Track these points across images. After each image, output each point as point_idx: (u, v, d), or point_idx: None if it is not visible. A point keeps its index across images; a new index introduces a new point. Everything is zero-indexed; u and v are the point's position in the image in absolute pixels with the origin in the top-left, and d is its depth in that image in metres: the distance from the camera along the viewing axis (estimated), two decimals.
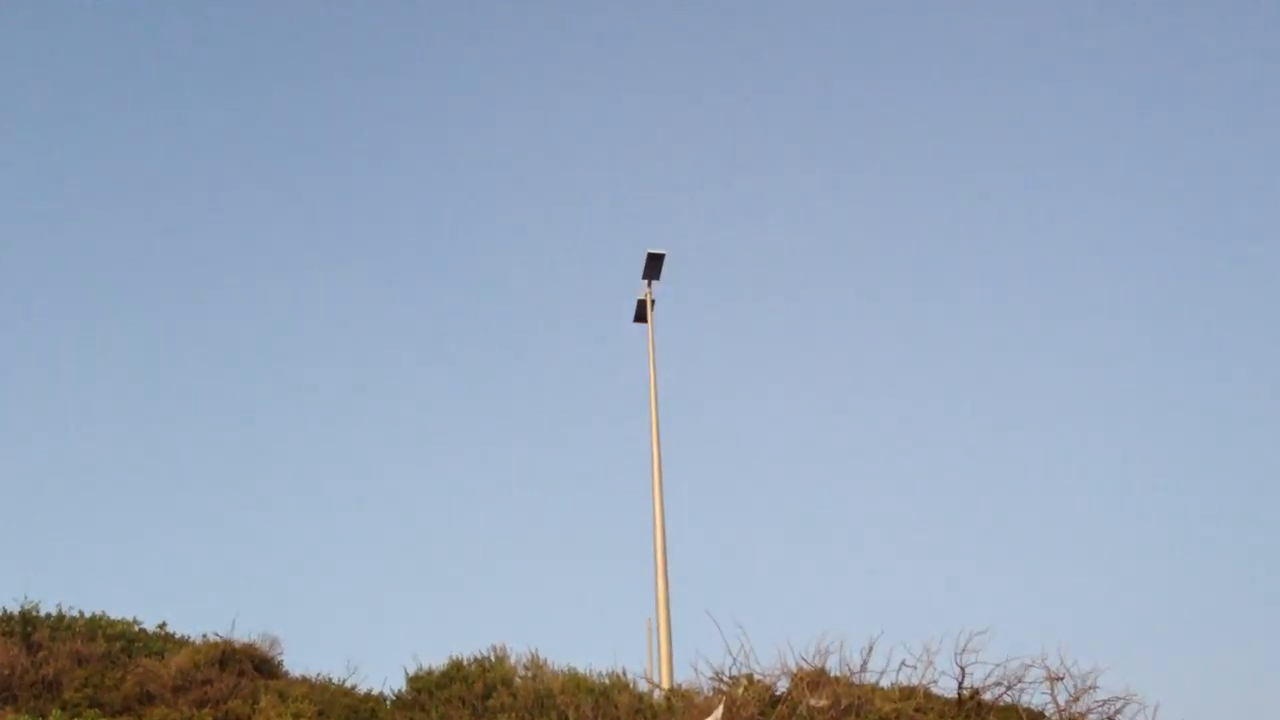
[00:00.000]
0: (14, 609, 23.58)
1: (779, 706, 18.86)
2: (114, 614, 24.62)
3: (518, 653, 22.63)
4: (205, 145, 61.92)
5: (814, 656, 20.01)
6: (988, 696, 19.32)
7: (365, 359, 56.10)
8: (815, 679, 19.48)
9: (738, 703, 18.45)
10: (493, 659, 22.61)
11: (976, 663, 19.40)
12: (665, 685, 22.84)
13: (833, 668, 19.95)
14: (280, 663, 23.82)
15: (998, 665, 19.42)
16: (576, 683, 21.37)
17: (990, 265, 59.88)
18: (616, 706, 20.21)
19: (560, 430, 52.83)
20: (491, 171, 62.93)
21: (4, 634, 22.54)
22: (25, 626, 22.89)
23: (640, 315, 28.67)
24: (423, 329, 57.77)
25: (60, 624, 23.56)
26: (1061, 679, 19.00)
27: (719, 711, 17.74)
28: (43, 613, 23.77)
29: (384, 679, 22.92)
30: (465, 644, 22.94)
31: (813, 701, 18.66)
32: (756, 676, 19.94)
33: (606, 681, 21.50)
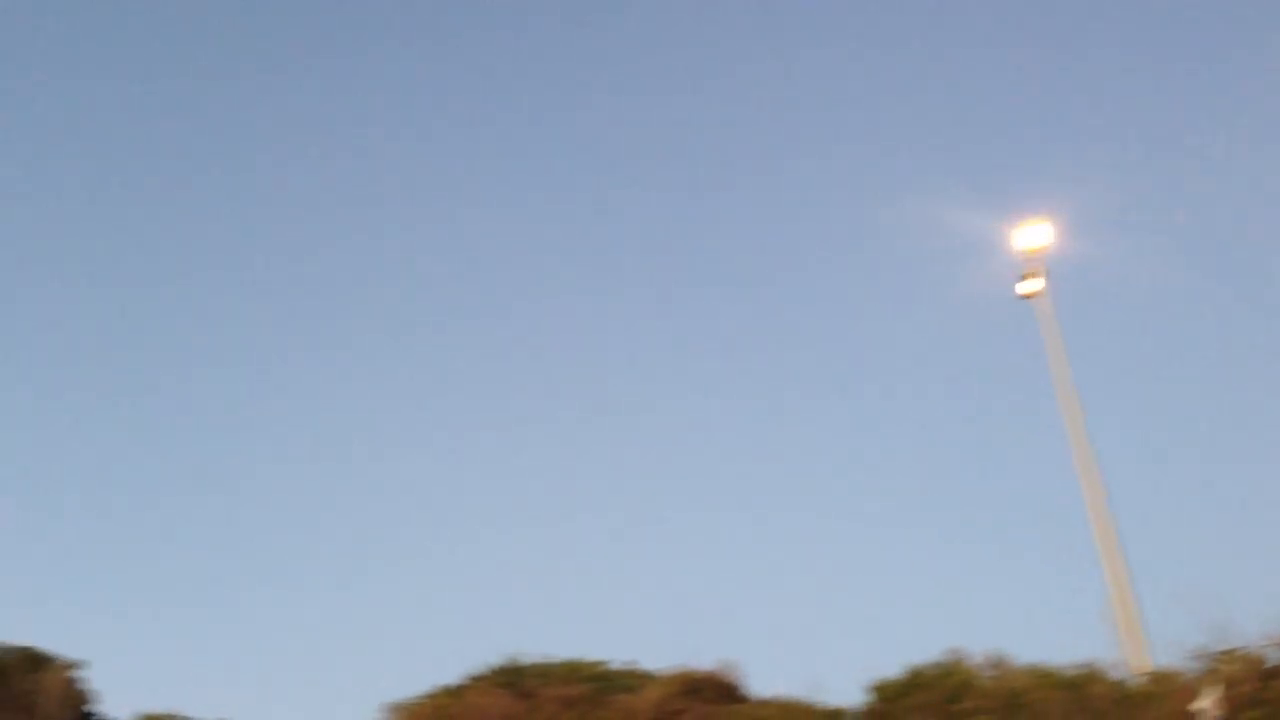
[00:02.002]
0: (502, 662, 25.75)
1: (1276, 679, 17.30)
2: (587, 656, 26.31)
3: (977, 653, 22.11)
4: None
5: None
6: None
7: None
8: None
9: (1231, 679, 17.08)
10: (952, 662, 22.22)
11: None
12: (1141, 670, 21.54)
13: None
14: (743, 686, 24.60)
15: None
16: (1044, 677, 20.59)
17: None
18: (1093, 698, 19.30)
19: (969, 423, 50.98)
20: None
21: (498, 685, 24.74)
22: (514, 677, 25.01)
23: (1031, 289, 27.30)
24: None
25: (544, 671, 25.52)
26: None
27: (1215, 692, 16.48)
28: (527, 662, 25.83)
29: (845, 693, 23.08)
30: (921, 650, 22.67)
31: None
32: (1244, 649, 18.39)
33: (1077, 673, 20.56)
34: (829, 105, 61.21)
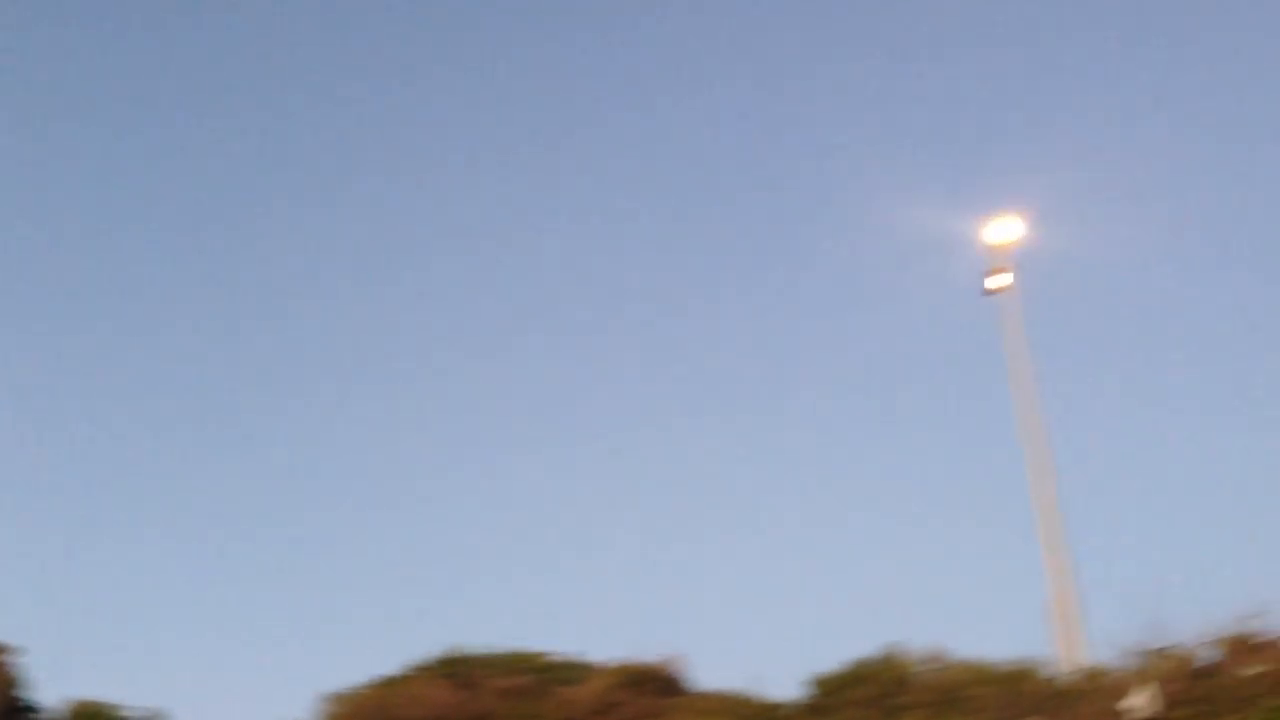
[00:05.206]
0: (444, 652, 25.71)
1: (1207, 678, 17.62)
2: (530, 647, 26.33)
3: (917, 648, 22.33)
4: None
5: (1238, 622, 18.55)
6: None
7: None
8: (1245, 646, 18.06)
9: (1162, 677, 17.39)
10: (892, 657, 22.43)
11: None
12: (1074, 666, 21.86)
13: (1260, 632, 18.42)
14: (685, 680, 24.70)
15: None
16: (981, 673, 20.85)
17: None
18: (1027, 694, 19.57)
19: (924, 416, 51.37)
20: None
21: (440, 676, 24.68)
22: (456, 667, 24.97)
23: (993, 285, 27.44)
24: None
25: (486, 661, 25.51)
26: None
27: (1147, 689, 16.76)
28: (469, 652, 25.80)
29: (785, 686, 23.25)
30: (861, 644, 22.87)
31: (1246, 670, 17.31)
32: (1177, 648, 18.72)
33: (1012, 669, 20.83)
34: (796, 103, 61.30)
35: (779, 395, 52.21)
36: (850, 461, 49.56)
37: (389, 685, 24.28)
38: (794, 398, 51.47)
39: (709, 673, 25.02)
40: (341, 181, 60.65)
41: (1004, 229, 27.40)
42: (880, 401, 50.99)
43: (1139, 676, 18.24)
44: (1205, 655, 18.69)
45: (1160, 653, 18.52)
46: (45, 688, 26.99)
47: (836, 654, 23.07)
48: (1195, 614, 19.15)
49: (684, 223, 59.57)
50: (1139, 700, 17.26)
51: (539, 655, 26.07)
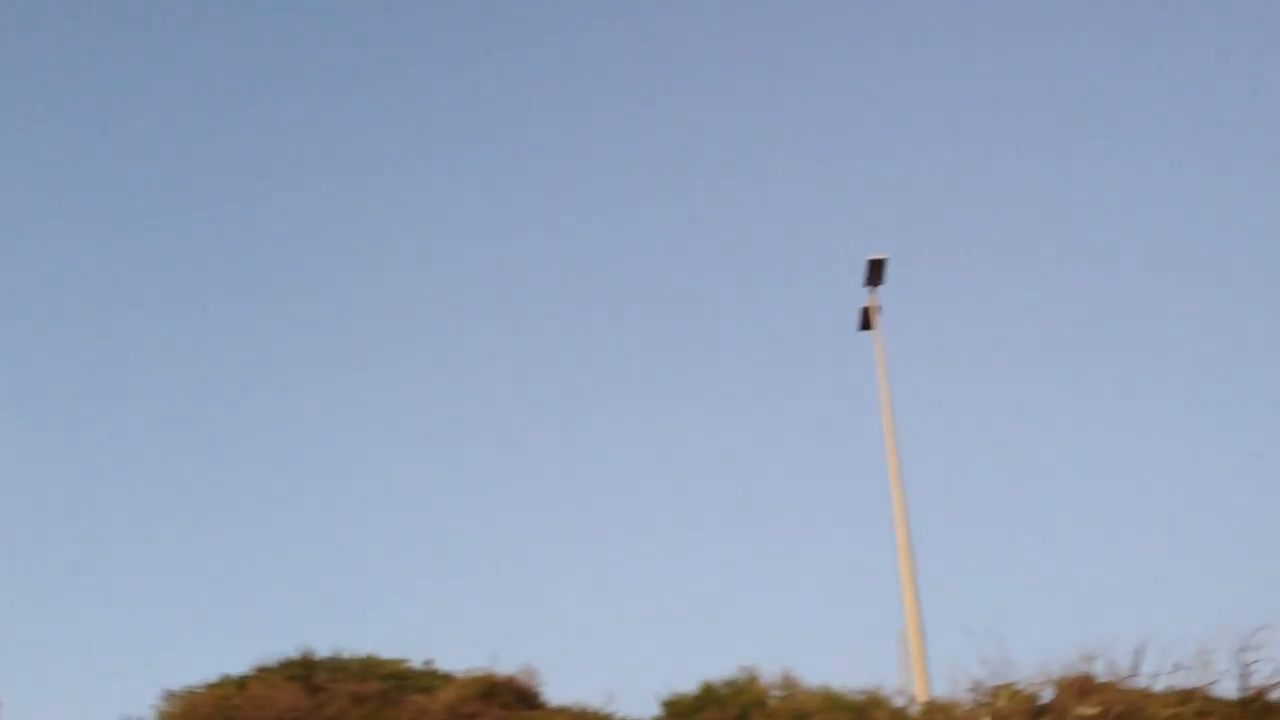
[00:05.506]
0: (293, 654, 25.09)
1: (1045, 716, 18.07)
2: (383, 653, 25.85)
3: (769, 672, 22.55)
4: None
5: (1079, 662, 19.08)
6: (1276, 696, 17.96)
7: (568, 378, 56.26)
8: (1083, 685, 18.57)
9: (1000, 713, 17.78)
10: (744, 680, 22.59)
11: (1260, 660, 18.06)
12: (921, 698, 22.27)
13: (1101, 673, 18.96)
14: (541, 693, 24.51)
15: None
16: (831, 700, 21.12)
17: None
18: None
19: (790, 444, 52.18)
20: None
21: (287, 678, 24.05)
22: (305, 670, 24.36)
23: (865, 323, 28.06)
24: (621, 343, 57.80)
25: (337, 666, 24.95)
26: None
27: None
28: (320, 656, 25.22)
29: (639, 705, 23.27)
30: (715, 665, 23.04)
31: (1081, 710, 17.80)
32: (1018, 685, 19.17)
33: (862, 698, 21.15)
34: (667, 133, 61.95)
35: (647, 415, 52.59)
36: (719, 484, 50.09)
37: (231, 685, 23.54)
38: (664, 418, 51.92)
39: (563, 688, 24.89)
40: None
41: (876, 258, 27.83)
42: (752, 435, 51.73)
43: (981, 711, 18.62)
44: (1045, 693, 19.15)
45: (1000, 689, 18.95)
46: None
47: (692, 674, 23.23)
48: (1041, 651, 19.67)
49: (558, 249, 59.81)
50: None
51: (392, 662, 25.61)
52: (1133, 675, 18.72)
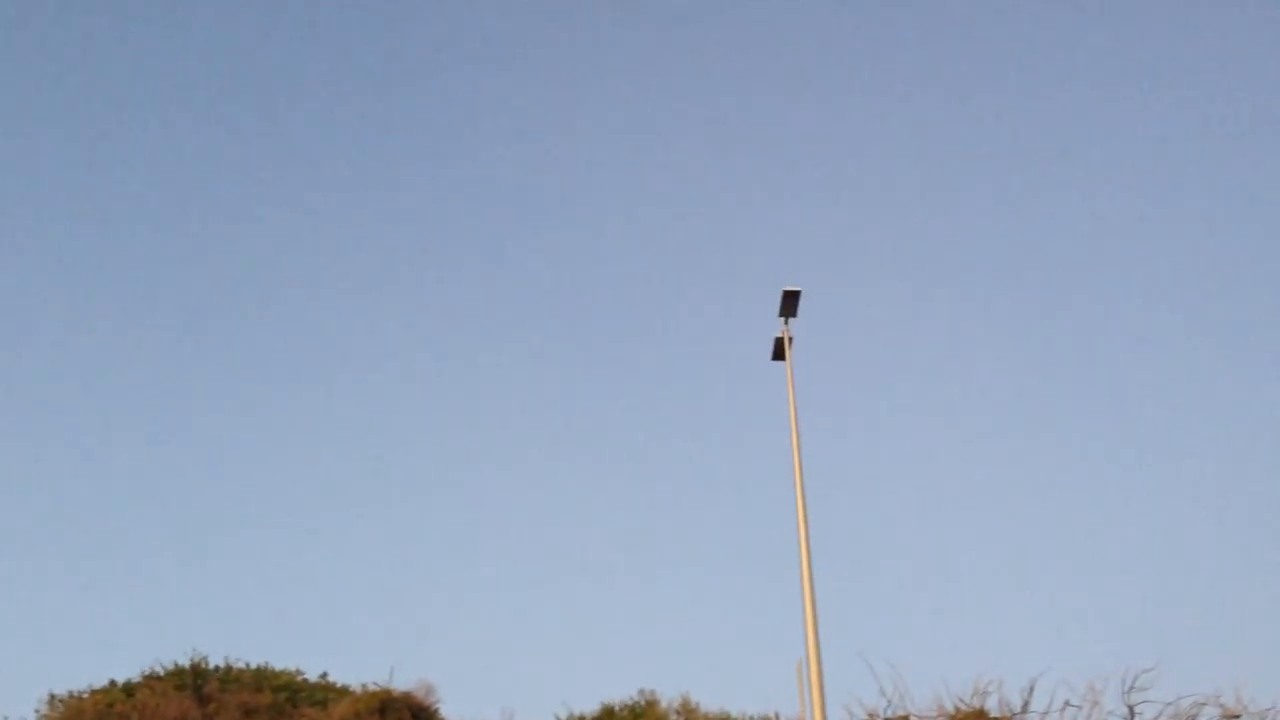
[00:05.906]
0: (184, 662, 24.49)
1: None
2: (278, 664, 25.38)
3: (668, 696, 22.59)
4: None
5: (972, 697, 19.42)
6: None
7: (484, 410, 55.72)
8: (973, 719, 18.91)
9: None
10: (643, 703, 22.61)
11: (1146, 701, 18.56)
12: None
13: (992, 708, 19.32)
14: (437, 709, 24.24)
15: (1169, 704, 18.55)
16: None
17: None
18: None
19: (700, 472, 52.36)
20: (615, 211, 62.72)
21: (177, 687, 23.47)
22: (196, 679, 23.79)
23: (778, 353, 28.27)
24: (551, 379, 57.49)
25: (229, 676, 24.41)
26: (1239, 717, 18.04)
27: None
28: (211, 665, 24.65)
29: None
30: (615, 687, 23.00)
31: None
32: (913, 718, 19.45)
33: None
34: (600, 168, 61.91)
35: (565, 454, 52.44)
36: (625, 514, 50.12)
37: (118, 692, 22.89)
38: (580, 456, 51.80)
39: (461, 705, 24.66)
40: None
41: (789, 291, 28.07)
42: (673, 468, 51.88)
43: None
44: None
45: None
46: None
47: (592, 696, 23.19)
48: (936, 686, 19.97)
49: (464, 284, 59.34)
50: None
51: (286, 674, 25.14)
52: (1023, 712, 19.11)
